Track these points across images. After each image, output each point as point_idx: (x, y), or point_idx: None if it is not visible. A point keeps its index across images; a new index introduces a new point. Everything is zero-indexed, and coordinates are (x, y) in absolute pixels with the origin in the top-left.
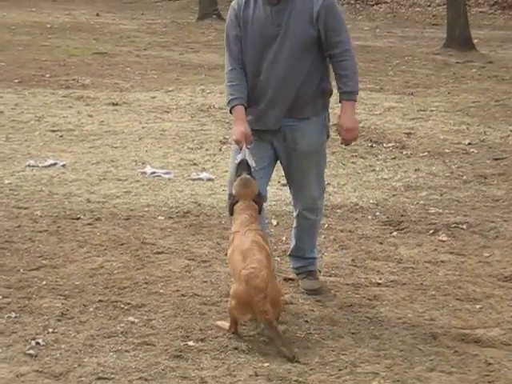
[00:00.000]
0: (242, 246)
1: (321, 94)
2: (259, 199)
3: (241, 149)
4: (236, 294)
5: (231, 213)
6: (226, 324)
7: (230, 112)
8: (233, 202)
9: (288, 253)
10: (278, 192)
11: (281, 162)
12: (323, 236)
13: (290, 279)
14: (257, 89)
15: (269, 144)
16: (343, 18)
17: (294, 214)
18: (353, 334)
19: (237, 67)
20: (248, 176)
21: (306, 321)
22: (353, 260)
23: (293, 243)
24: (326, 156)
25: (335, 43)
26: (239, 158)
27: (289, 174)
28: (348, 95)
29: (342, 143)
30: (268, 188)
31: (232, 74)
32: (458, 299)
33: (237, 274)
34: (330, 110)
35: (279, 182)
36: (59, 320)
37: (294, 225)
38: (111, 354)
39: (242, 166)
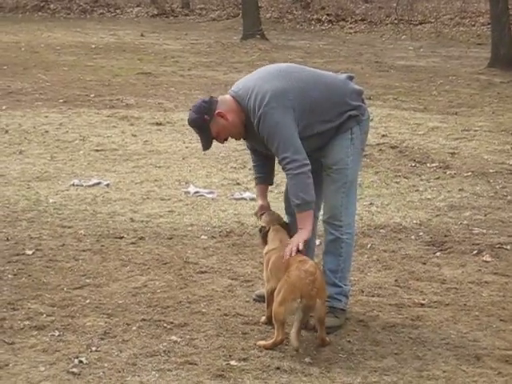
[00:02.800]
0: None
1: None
2: (287, 226)
3: (258, 220)
4: (287, 280)
5: (265, 242)
6: (267, 343)
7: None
8: (265, 231)
9: None
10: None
11: None
12: (366, 256)
13: None
14: None
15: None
16: (275, 128)
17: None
18: (396, 354)
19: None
20: (273, 211)
21: (349, 341)
22: (396, 280)
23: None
24: (357, 171)
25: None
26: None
27: (319, 185)
28: (295, 208)
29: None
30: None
31: (252, 155)
32: (501, 320)
33: (285, 273)
34: (371, 127)
35: None
36: (102, 338)
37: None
38: (154, 372)
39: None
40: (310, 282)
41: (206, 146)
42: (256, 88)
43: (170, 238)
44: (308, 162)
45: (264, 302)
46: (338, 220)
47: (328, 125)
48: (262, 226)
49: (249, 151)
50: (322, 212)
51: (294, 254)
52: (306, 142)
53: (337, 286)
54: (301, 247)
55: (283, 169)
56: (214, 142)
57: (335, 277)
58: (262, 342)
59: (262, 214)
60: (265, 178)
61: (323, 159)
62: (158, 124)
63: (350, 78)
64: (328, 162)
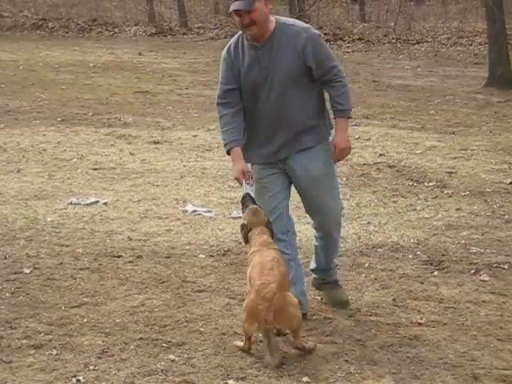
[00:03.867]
0: (263, 261)
1: (319, 125)
2: (270, 225)
3: (241, 185)
4: (246, 304)
5: (246, 241)
6: (239, 345)
7: (228, 154)
8: (246, 230)
9: (310, 268)
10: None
11: (295, 186)
12: (364, 275)
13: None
14: (256, 127)
15: (281, 169)
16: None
17: (316, 235)
18: (393, 373)
19: (228, 111)
20: (256, 206)
21: (347, 360)
22: (394, 299)
23: (315, 260)
24: (337, 177)
25: (328, 69)
26: (242, 192)
27: (305, 197)
28: (341, 112)
29: (333, 161)
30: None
31: (222, 119)
32: (499, 340)
33: (253, 287)
34: (368, 147)
35: None
36: (100, 357)
37: (316, 243)
38: None
39: (247, 199)
40: (265, 309)
41: (244, 5)
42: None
43: (168, 257)
44: None
45: None
46: (339, 223)
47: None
48: (244, 225)
49: (221, 114)
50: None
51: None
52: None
53: (333, 267)
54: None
55: (334, 76)
56: None
57: (332, 261)
58: (236, 343)
59: (244, 198)
60: (238, 140)
61: (309, 171)
62: (155, 143)
63: None
64: (314, 173)
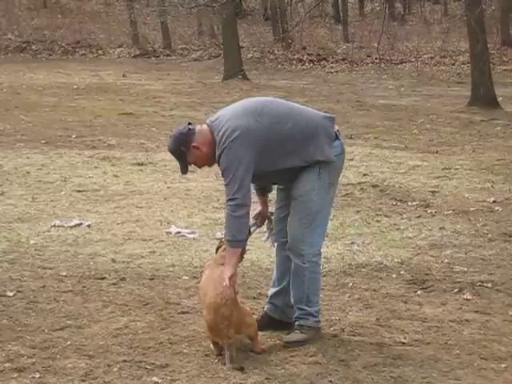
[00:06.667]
0: (212, 276)
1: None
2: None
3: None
4: (207, 324)
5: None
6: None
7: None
8: (219, 245)
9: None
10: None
11: None
12: (347, 295)
13: None
14: None
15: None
16: (232, 165)
17: None
18: None
19: None
20: None
21: (330, 381)
22: (377, 319)
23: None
24: (323, 204)
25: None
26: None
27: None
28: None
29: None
30: None
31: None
32: (482, 358)
33: (206, 302)
34: (352, 166)
35: None
36: (83, 380)
37: None
38: None
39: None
40: (225, 327)
41: (184, 171)
42: (228, 122)
43: (152, 279)
44: (249, 203)
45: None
46: (300, 249)
47: (297, 159)
48: (221, 240)
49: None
50: None
51: (227, 292)
52: (277, 175)
53: (301, 309)
54: (226, 282)
55: (226, 202)
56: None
57: (301, 302)
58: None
59: (257, 220)
60: (263, 189)
61: (292, 190)
62: (139, 164)
63: (330, 119)
64: (294, 192)
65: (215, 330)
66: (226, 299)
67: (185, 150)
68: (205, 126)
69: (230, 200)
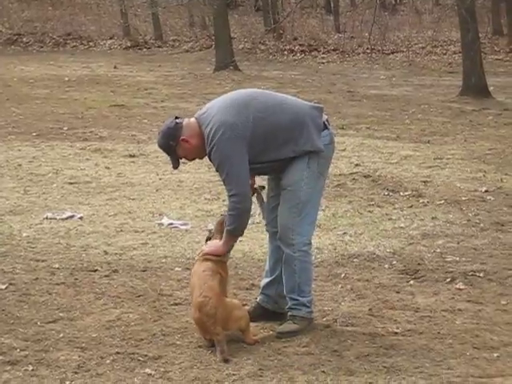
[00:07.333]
0: (199, 274)
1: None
2: None
3: None
4: (194, 321)
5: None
6: None
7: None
8: (208, 236)
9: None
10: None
11: None
12: (340, 285)
13: None
14: None
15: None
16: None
17: None
18: (370, 383)
19: None
20: (224, 216)
21: (323, 371)
22: (370, 309)
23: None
24: (313, 194)
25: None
26: None
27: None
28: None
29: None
30: None
31: None
32: (475, 348)
33: (193, 299)
34: (344, 157)
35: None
36: (76, 373)
37: None
38: None
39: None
40: (212, 324)
41: (175, 165)
42: (215, 117)
43: (144, 271)
44: (250, 195)
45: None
46: (289, 238)
47: (288, 150)
48: (210, 231)
49: None
50: None
51: (200, 256)
52: (266, 166)
53: (294, 299)
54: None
55: (228, 198)
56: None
57: (292, 292)
58: None
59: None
60: None
61: (281, 180)
62: (131, 156)
63: (318, 108)
64: (284, 182)
65: (202, 327)
66: (209, 297)
67: (174, 144)
68: (192, 120)
69: (230, 196)
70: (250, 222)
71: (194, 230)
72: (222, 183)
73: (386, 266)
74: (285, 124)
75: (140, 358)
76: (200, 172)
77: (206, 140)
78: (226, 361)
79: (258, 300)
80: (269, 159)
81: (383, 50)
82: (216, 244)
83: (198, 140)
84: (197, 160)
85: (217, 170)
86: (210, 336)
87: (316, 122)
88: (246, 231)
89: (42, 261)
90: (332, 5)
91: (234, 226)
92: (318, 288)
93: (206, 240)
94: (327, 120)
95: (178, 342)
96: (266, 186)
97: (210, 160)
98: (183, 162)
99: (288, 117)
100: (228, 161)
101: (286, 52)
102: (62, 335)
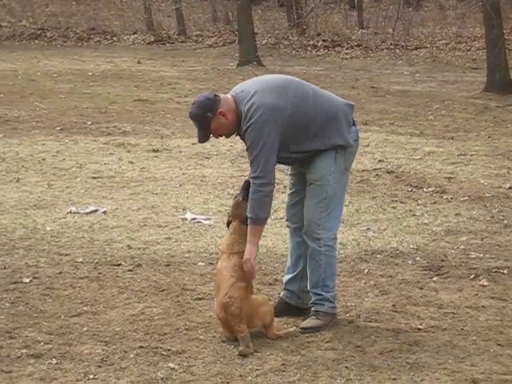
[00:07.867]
0: (224, 271)
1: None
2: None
3: None
4: (219, 319)
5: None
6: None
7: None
8: (228, 220)
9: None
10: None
11: None
12: (363, 281)
13: None
14: None
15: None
16: (258, 141)
17: None
18: (393, 379)
19: None
20: (241, 199)
21: (346, 366)
22: (393, 305)
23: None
24: (338, 189)
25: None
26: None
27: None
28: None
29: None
30: None
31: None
32: (499, 344)
33: (219, 297)
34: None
35: None
36: (100, 366)
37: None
38: None
39: (245, 185)
40: (236, 323)
41: (202, 139)
42: (255, 96)
43: (168, 265)
44: (274, 182)
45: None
46: (316, 233)
47: (318, 142)
48: (229, 215)
49: None
50: None
51: (254, 272)
52: (292, 157)
53: (317, 294)
54: (252, 262)
55: (252, 180)
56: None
57: (317, 287)
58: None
59: (244, 183)
60: None
61: (307, 174)
62: (154, 151)
63: (350, 106)
64: (311, 177)
65: (227, 326)
66: (234, 298)
67: (211, 116)
68: (229, 96)
69: (254, 178)
70: (272, 217)
71: (218, 225)
72: (245, 178)
73: (410, 262)
74: (321, 115)
75: (163, 353)
76: (223, 167)
77: (244, 118)
78: (243, 355)
79: (281, 295)
80: (297, 150)
81: (407, 46)
82: (245, 252)
83: (234, 116)
84: (219, 156)
85: (247, 149)
86: (233, 334)
87: (347, 117)
88: (268, 227)
89: (66, 255)
90: (356, 0)
91: (255, 213)
92: (341, 283)
93: (227, 224)
94: (354, 117)
95: (201, 337)
96: (287, 182)
97: (242, 138)
98: (206, 157)
99: (325, 109)
100: (261, 142)
101: (309, 47)
102: (85, 329)
